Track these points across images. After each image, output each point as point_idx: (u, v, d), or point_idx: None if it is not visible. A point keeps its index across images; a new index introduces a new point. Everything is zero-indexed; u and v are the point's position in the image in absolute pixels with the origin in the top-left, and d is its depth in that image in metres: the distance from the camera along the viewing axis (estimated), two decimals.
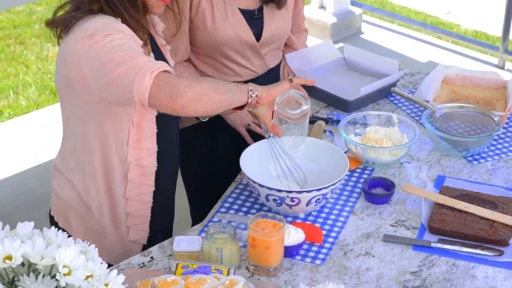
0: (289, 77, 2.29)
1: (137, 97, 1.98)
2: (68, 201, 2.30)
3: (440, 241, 2.18)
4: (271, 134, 2.36)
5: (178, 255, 2.09)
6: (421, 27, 6.28)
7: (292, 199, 2.19)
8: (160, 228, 2.41)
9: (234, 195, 2.40)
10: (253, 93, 2.15)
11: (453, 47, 6.02)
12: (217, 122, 2.65)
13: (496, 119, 2.61)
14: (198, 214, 2.68)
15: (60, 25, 2.14)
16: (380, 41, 6.07)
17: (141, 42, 2.13)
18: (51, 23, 2.18)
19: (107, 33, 2.04)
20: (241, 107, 2.19)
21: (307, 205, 2.22)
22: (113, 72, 2.00)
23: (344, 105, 2.83)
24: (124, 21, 2.11)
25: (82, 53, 2.04)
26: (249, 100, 2.15)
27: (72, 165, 2.27)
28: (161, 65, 2.02)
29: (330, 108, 2.89)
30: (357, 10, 6.26)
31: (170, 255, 2.14)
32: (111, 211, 2.28)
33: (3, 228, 1.61)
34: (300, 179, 2.33)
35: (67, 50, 2.11)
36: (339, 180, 2.23)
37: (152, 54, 2.29)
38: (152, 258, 2.14)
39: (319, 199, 2.22)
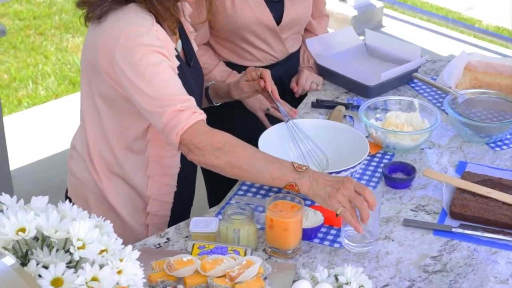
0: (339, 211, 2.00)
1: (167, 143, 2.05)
2: (86, 182, 2.27)
3: (461, 226, 2.14)
4: (290, 118, 2.33)
5: (195, 236, 2.06)
6: (442, 21, 6.22)
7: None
8: (177, 223, 2.38)
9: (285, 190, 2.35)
10: (293, 188, 1.99)
11: (475, 41, 5.97)
12: (236, 106, 2.62)
13: None
14: (215, 199, 2.65)
15: (92, 10, 2.09)
16: (401, 35, 6.01)
17: (173, 45, 2.11)
18: (82, 3, 2.13)
19: (142, 50, 2.01)
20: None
21: None
22: (143, 100, 2.02)
23: (364, 91, 2.79)
24: (155, 10, 2.07)
25: (116, 55, 2.02)
26: (283, 190, 2.05)
27: (89, 147, 2.24)
28: (187, 117, 2.00)
29: (351, 93, 2.85)
30: (378, 3, 6.22)
31: (187, 237, 2.11)
32: (129, 205, 2.27)
33: (17, 202, 1.59)
34: (321, 162, 2.30)
35: (98, 41, 2.07)
36: (359, 163, 2.20)
37: (180, 41, 2.26)
38: (168, 239, 2.11)
39: None
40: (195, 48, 2.38)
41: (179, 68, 2.14)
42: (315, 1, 2.82)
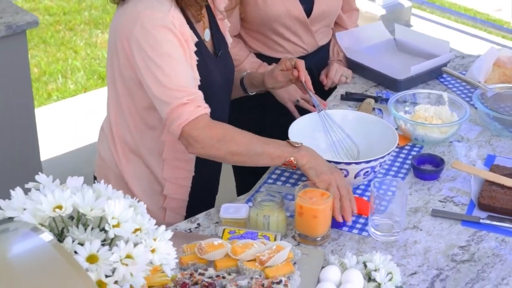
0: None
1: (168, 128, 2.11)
2: (108, 161, 2.32)
3: (489, 217, 2.15)
4: (322, 108, 2.35)
5: (225, 222, 2.08)
6: (470, 21, 6.21)
7: (340, 171, 2.17)
8: (200, 211, 2.38)
9: (282, 167, 2.38)
10: (291, 164, 2.09)
11: (503, 42, 5.95)
12: (266, 97, 2.64)
13: None
14: (244, 189, 2.67)
15: None
16: (429, 34, 5.99)
17: (190, 33, 2.12)
18: None
19: (158, 32, 2.05)
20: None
21: (355, 177, 2.20)
22: (152, 86, 2.07)
23: (393, 84, 2.80)
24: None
25: (132, 37, 2.07)
26: (283, 167, 2.13)
27: (112, 127, 2.29)
28: (191, 111, 2.06)
29: (380, 87, 2.87)
30: (406, 3, 6.22)
31: (217, 222, 2.14)
32: (147, 188, 2.30)
33: (53, 181, 1.62)
34: (352, 152, 2.32)
35: (119, 22, 2.12)
36: (388, 153, 2.21)
37: (207, 30, 2.27)
38: (198, 224, 2.14)
39: (367, 171, 2.20)
40: (228, 39, 2.40)
41: (201, 56, 2.16)
42: None
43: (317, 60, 2.84)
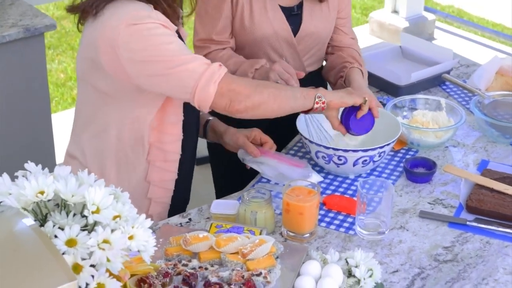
0: (364, 99, 2.25)
1: (197, 101, 2.05)
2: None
3: (476, 220, 2.18)
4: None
5: (215, 217, 2.14)
6: (494, 35, 6.22)
7: (339, 158, 2.24)
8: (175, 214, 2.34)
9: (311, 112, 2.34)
10: (320, 100, 2.17)
11: None
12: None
13: None
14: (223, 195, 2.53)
15: (87, 9, 2.08)
16: (453, 48, 6.00)
17: (175, 28, 2.10)
18: (75, 8, 2.13)
19: (147, 24, 2.01)
20: (307, 111, 2.22)
21: (354, 165, 2.29)
22: (164, 70, 2.02)
23: (395, 90, 2.85)
24: (157, 6, 2.08)
25: (119, 43, 2.01)
26: (315, 107, 2.18)
27: (89, 151, 2.23)
28: (218, 68, 2.05)
29: (381, 93, 2.91)
30: (430, 16, 6.25)
31: (208, 218, 2.19)
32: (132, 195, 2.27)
33: (43, 169, 1.69)
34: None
35: (96, 35, 2.05)
36: (388, 144, 2.28)
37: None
38: (190, 219, 2.20)
39: (366, 160, 2.27)
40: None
41: None
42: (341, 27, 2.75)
43: (306, 86, 2.56)
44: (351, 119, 2.26)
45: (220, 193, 2.73)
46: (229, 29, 2.58)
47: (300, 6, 2.61)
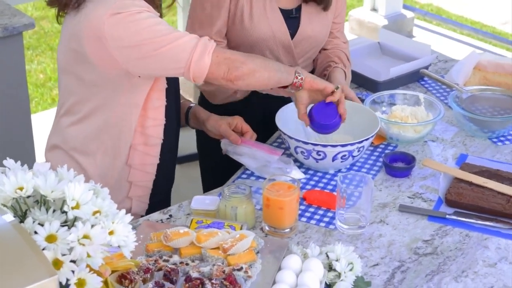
0: (337, 85, 2.34)
1: (192, 74, 2.09)
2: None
3: (455, 213, 2.19)
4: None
5: (196, 213, 2.14)
6: (473, 33, 6.25)
7: (318, 153, 2.25)
8: (159, 198, 2.40)
9: (288, 88, 2.36)
10: (299, 75, 2.26)
11: (508, 54, 5.98)
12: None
13: None
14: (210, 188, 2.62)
15: (67, 2, 2.11)
16: (431, 45, 6.02)
17: (157, 14, 2.14)
18: (56, 1, 2.15)
19: (131, 11, 2.04)
20: (285, 87, 2.28)
21: (333, 160, 2.30)
22: (155, 51, 2.05)
23: (374, 86, 2.86)
24: None
25: (105, 34, 2.03)
26: (294, 81, 2.26)
27: (72, 138, 2.26)
28: (209, 40, 2.11)
29: (360, 88, 2.93)
30: (409, 14, 6.27)
31: (189, 214, 2.20)
32: (112, 179, 2.27)
33: (22, 165, 1.68)
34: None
35: (80, 27, 2.08)
36: (366, 139, 2.30)
37: None
38: (170, 215, 2.20)
39: (344, 155, 2.29)
40: None
41: None
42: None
43: None
44: (317, 110, 2.31)
45: (207, 190, 2.70)
46: (225, 30, 2.58)
47: (298, 9, 2.62)
